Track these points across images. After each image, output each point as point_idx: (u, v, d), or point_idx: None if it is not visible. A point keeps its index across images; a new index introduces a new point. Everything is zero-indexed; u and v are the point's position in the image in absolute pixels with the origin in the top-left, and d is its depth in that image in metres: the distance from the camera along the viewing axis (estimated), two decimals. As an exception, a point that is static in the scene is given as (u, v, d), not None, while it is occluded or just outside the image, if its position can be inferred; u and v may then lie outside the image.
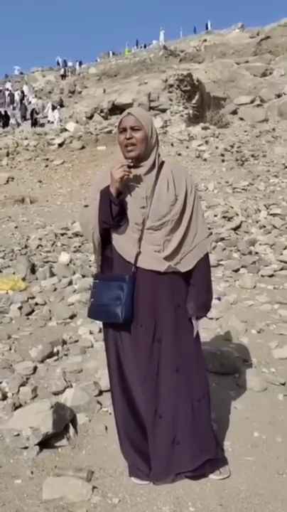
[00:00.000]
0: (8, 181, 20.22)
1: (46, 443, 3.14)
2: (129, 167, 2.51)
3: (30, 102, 35.95)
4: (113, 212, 2.54)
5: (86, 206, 2.77)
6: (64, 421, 3.29)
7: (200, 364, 2.81)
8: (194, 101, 28.35)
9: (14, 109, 34.30)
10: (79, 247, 9.30)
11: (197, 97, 28.73)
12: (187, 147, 20.64)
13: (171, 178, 2.62)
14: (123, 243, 2.60)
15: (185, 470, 2.74)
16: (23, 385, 4.01)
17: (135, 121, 2.55)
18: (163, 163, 2.69)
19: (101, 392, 3.81)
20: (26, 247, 9.60)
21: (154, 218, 2.56)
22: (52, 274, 7.34)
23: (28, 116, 30.65)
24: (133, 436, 2.77)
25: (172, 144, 21.10)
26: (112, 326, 2.72)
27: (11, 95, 36.42)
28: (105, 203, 2.56)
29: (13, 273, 7.45)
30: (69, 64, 49.71)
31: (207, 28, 52.66)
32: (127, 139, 2.55)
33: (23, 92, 37.55)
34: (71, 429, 3.31)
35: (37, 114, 30.59)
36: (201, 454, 2.73)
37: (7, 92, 36.97)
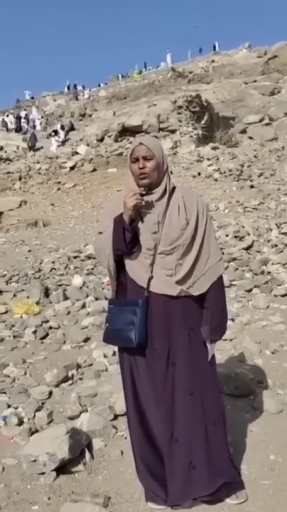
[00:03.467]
0: (21, 205, 20.40)
1: (63, 468, 3.15)
2: (141, 195, 2.57)
3: (35, 127, 36.60)
4: (126, 239, 2.59)
5: (100, 233, 2.82)
6: (80, 446, 3.30)
7: (215, 387, 2.82)
8: (203, 121, 28.50)
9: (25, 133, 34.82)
10: (92, 269, 9.35)
11: (206, 117, 28.89)
12: (197, 167, 20.74)
13: (182, 203, 2.67)
14: (135, 268, 2.65)
15: (202, 494, 2.73)
16: (38, 409, 4.04)
17: (147, 151, 2.61)
18: (174, 188, 2.74)
19: (116, 417, 3.82)
20: (40, 270, 9.67)
21: (165, 243, 2.61)
22: (66, 298, 7.39)
23: (38, 145, 30.93)
24: (149, 461, 2.78)
25: (182, 166, 21.20)
26: (127, 351, 2.74)
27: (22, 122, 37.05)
28: (119, 231, 2.61)
29: (27, 297, 7.51)
30: (79, 88, 50.44)
31: (214, 48, 53.11)
32: (140, 168, 2.61)
33: (27, 116, 38.14)
34: (87, 454, 3.32)
35: (35, 140, 30.93)
36: (217, 477, 2.72)
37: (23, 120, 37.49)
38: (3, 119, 37.25)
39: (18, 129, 36.10)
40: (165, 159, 2.72)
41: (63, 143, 30.68)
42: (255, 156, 21.72)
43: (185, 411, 2.67)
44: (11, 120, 36.73)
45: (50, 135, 31.30)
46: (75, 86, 50.73)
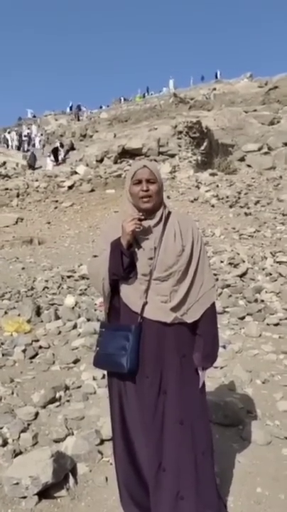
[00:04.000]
0: (17, 222, 20.39)
1: (45, 493, 3.09)
2: (140, 220, 2.56)
3: (34, 145, 36.90)
4: (124, 264, 2.57)
5: (95, 256, 2.81)
6: (64, 470, 3.25)
7: (205, 416, 2.77)
8: (202, 147, 28.77)
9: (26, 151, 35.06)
10: (85, 290, 9.30)
11: (205, 143, 29.18)
12: (195, 193, 20.86)
13: (178, 229, 2.66)
14: (130, 294, 2.63)
15: None
16: (23, 431, 3.98)
17: (150, 174, 2.62)
18: (169, 213, 2.74)
19: (102, 441, 3.76)
20: (32, 288, 9.62)
21: (161, 269, 2.59)
22: (57, 317, 7.34)
23: (37, 164, 31.08)
24: (133, 489, 2.72)
25: (180, 190, 21.32)
26: (117, 376, 2.70)
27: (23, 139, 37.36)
28: (116, 255, 2.59)
29: (19, 315, 7.45)
30: (83, 109, 51.08)
31: (216, 76, 53.83)
32: (144, 191, 2.60)
33: (28, 135, 38.46)
34: (71, 479, 3.26)
35: (35, 159, 31.12)
36: (205, 509, 2.66)
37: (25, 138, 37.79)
38: (4, 135, 37.55)
39: (20, 147, 36.37)
40: (163, 184, 2.73)
41: (62, 162, 30.88)
42: (252, 184, 21.87)
43: (174, 440, 2.62)
44: (12, 137, 37.01)
45: (48, 155, 31.50)
46: (79, 107, 51.33)
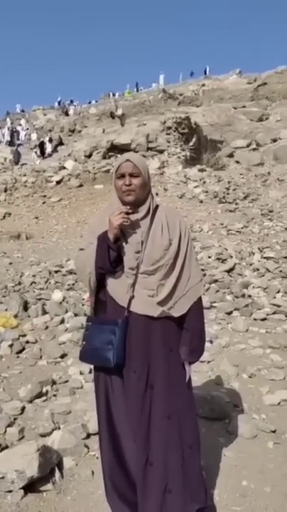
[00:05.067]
0: (4, 217, 20.31)
1: (31, 487, 3.08)
2: (127, 213, 2.55)
3: (19, 139, 36.83)
4: (111, 257, 2.56)
5: (81, 249, 2.79)
6: (50, 464, 3.24)
7: (191, 410, 2.78)
8: (191, 143, 28.77)
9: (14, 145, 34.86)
10: (73, 285, 9.28)
11: (194, 139, 29.18)
12: (183, 188, 20.88)
13: (165, 223, 2.65)
14: (116, 287, 2.61)
15: None
16: (10, 425, 3.96)
17: (134, 168, 2.60)
18: (157, 207, 2.73)
19: (89, 436, 3.76)
20: (20, 283, 9.58)
21: (148, 263, 2.58)
22: (45, 312, 7.32)
23: (21, 161, 30.85)
24: (119, 483, 2.71)
25: (168, 186, 21.32)
26: (103, 370, 2.69)
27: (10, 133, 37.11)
28: (103, 249, 2.58)
29: (6, 310, 7.42)
30: (76, 103, 51.15)
31: (205, 73, 53.86)
32: (127, 185, 2.59)
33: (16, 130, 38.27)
34: (57, 473, 3.26)
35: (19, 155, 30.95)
36: (192, 502, 2.67)
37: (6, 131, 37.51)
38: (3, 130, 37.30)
39: (11, 142, 36.08)
40: (149, 177, 2.71)
41: (48, 156, 30.76)
42: (240, 180, 21.94)
43: (162, 434, 2.62)
44: (3, 132, 36.72)
45: (32, 149, 31.34)
46: (71, 101, 51.30)
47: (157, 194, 19.26)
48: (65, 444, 3.56)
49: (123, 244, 2.60)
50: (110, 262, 2.57)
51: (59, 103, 53.40)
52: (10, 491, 3.03)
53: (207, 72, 53.82)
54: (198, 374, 4.83)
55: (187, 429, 2.69)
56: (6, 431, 3.87)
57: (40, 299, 8.15)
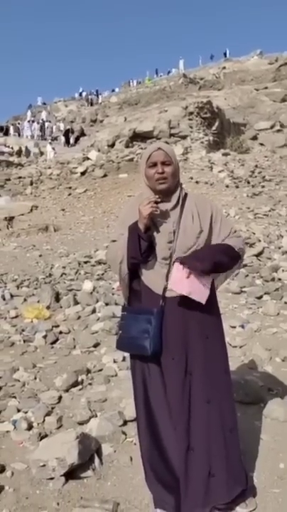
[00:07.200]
0: (32, 210, 20.51)
1: (72, 474, 3.14)
2: (156, 202, 2.56)
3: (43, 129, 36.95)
4: (142, 248, 2.58)
5: (113, 241, 2.83)
6: (89, 451, 3.30)
7: (230, 394, 2.82)
8: (214, 127, 28.54)
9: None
10: (103, 274, 9.36)
11: (217, 123, 28.93)
12: (208, 173, 20.75)
13: (196, 211, 2.68)
14: (151, 277, 2.65)
15: (222, 502, 2.68)
16: (48, 414, 4.04)
17: (165, 156, 2.62)
18: (186, 195, 2.74)
19: (125, 422, 3.81)
20: (50, 275, 9.70)
21: (181, 251, 2.61)
22: (76, 302, 7.40)
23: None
24: (159, 468, 2.76)
25: (193, 171, 21.22)
26: (140, 358, 2.73)
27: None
28: (134, 239, 2.60)
29: (38, 301, 7.53)
30: (100, 93, 51.17)
31: (225, 55, 53.19)
32: (160, 173, 2.61)
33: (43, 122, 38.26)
34: (96, 460, 3.31)
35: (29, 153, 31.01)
36: (235, 485, 2.71)
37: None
38: (17, 124, 37.39)
39: (43, 135, 36.15)
40: (179, 167, 2.73)
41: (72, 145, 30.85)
42: (265, 163, 21.68)
43: (203, 419, 2.65)
44: (34, 127, 36.71)
45: (50, 142, 31.42)
46: (97, 92, 51.30)
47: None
48: (102, 432, 3.62)
49: (155, 234, 2.62)
50: (141, 252, 2.59)
51: (80, 94, 53.43)
52: (51, 478, 3.10)
53: (228, 55, 53.12)
54: (231, 359, 4.80)
55: (227, 413, 2.73)
56: (44, 420, 3.95)
57: (71, 290, 8.25)
